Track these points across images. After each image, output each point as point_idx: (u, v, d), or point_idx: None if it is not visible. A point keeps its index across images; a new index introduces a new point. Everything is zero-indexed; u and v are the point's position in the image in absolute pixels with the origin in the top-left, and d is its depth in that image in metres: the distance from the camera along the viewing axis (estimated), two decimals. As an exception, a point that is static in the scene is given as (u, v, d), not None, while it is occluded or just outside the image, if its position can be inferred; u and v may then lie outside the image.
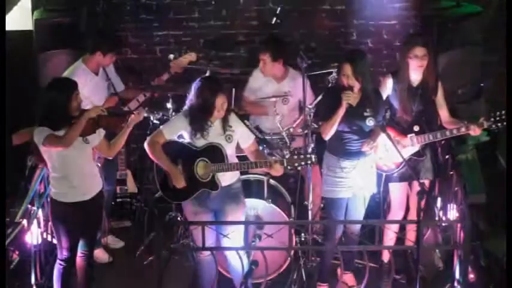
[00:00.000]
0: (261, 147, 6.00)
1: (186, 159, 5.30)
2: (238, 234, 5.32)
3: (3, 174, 5.29)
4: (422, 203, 4.90)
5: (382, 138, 5.63)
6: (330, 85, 6.04)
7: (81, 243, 5.37)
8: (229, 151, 5.30)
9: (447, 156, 6.37)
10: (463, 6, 6.80)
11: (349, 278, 5.86)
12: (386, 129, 5.43)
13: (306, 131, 5.98)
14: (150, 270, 6.14)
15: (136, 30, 7.39)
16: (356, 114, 5.46)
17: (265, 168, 5.29)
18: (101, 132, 5.30)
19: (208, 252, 5.33)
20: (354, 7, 7.33)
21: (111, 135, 5.48)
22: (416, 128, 5.65)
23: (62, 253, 5.30)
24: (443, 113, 5.77)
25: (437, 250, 6.25)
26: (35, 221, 5.71)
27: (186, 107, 5.31)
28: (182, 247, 6.29)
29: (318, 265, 5.91)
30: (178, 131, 5.32)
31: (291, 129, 6.13)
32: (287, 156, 5.33)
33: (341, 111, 5.36)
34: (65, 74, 6.01)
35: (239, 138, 5.35)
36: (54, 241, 5.48)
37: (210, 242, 5.18)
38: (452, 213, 6.11)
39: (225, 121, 5.30)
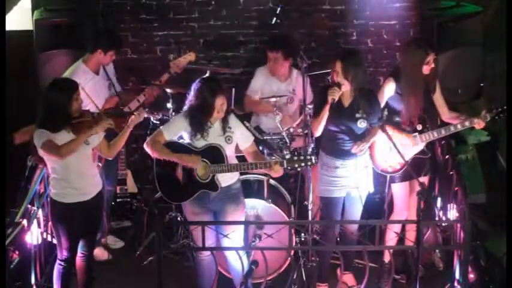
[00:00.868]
0: (260, 148, 6.01)
1: (186, 160, 5.30)
2: (238, 235, 5.32)
3: (3, 174, 5.30)
4: (423, 203, 4.90)
5: (384, 140, 5.64)
6: (326, 84, 6.04)
7: (81, 244, 5.37)
8: (229, 152, 5.30)
9: (447, 156, 6.37)
10: (463, 6, 6.80)
11: (349, 278, 5.86)
12: (386, 129, 5.43)
13: (306, 131, 5.98)
14: (150, 270, 6.14)
15: (136, 30, 7.38)
16: (348, 115, 5.47)
17: (264, 170, 5.29)
18: (100, 133, 5.29)
19: (208, 253, 5.34)
20: (353, 7, 7.33)
21: (112, 135, 5.47)
22: (419, 127, 5.65)
23: (62, 253, 5.30)
24: (443, 109, 5.79)
25: (437, 250, 6.24)
26: (35, 221, 5.71)
27: (185, 108, 5.31)
28: (182, 247, 6.29)
29: (317, 265, 5.90)
30: (178, 131, 5.32)
31: (291, 129, 6.13)
32: (287, 157, 5.33)
33: (326, 108, 5.36)
34: (66, 74, 6.01)
35: (238, 139, 5.35)
36: (54, 241, 5.48)
37: (210, 242, 5.18)
38: (452, 213, 6.11)
39: (224, 122, 5.30)
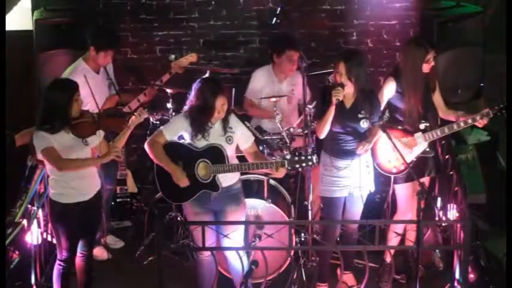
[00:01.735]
0: (261, 148, 6.01)
1: (186, 160, 5.30)
2: (239, 235, 5.32)
3: (3, 174, 5.29)
4: (422, 203, 4.90)
5: (388, 141, 5.64)
6: (326, 85, 6.04)
7: (80, 244, 5.36)
8: (230, 152, 5.30)
9: (447, 156, 6.37)
10: (463, 6, 6.81)
11: (349, 278, 5.86)
12: (386, 129, 5.43)
13: (306, 131, 5.98)
14: (150, 270, 6.14)
15: (136, 30, 7.38)
16: (350, 115, 5.47)
17: (265, 170, 5.29)
18: (100, 134, 5.29)
19: (209, 253, 5.34)
20: (353, 7, 7.33)
21: (112, 135, 5.47)
22: (422, 126, 5.65)
23: (62, 253, 5.30)
24: (441, 107, 5.79)
25: (437, 250, 6.24)
26: (35, 221, 5.71)
27: (186, 108, 5.31)
28: (182, 247, 6.29)
29: (317, 265, 5.90)
30: (179, 131, 5.32)
31: (291, 129, 6.13)
32: (288, 157, 5.33)
33: (331, 109, 5.36)
34: (66, 73, 6.01)
35: (239, 140, 5.35)
36: (54, 241, 5.48)
37: (210, 242, 5.18)
38: (452, 213, 6.11)
39: (225, 122, 5.30)
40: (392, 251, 5.72)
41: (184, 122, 5.28)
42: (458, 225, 5.63)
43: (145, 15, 7.37)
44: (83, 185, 5.24)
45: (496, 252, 5.76)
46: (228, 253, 5.42)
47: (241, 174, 5.54)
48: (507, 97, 5.74)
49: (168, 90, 6.41)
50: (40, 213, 5.81)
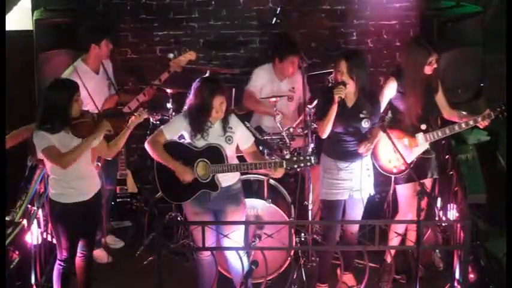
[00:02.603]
0: (261, 148, 6.01)
1: (186, 160, 5.30)
2: (239, 235, 5.32)
3: (3, 174, 5.29)
4: (423, 203, 4.90)
5: (389, 141, 5.64)
6: (327, 85, 6.04)
7: (80, 244, 5.36)
8: (229, 152, 5.30)
9: (447, 156, 6.37)
10: (463, 6, 6.80)
11: (349, 278, 5.86)
12: (386, 130, 5.43)
13: (306, 131, 5.98)
14: (150, 270, 6.14)
15: (136, 30, 7.38)
16: (351, 115, 5.46)
17: (265, 170, 5.28)
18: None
19: (209, 253, 5.34)
20: (354, 7, 7.33)
21: (112, 135, 5.47)
22: (423, 127, 5.64)
23: (62, 253, 5.30)
24: (445, 108, 5.78)
25: (437, 250, 6.24)
26: (35, 221, 5.71)
27: (185, 107, 5.31)
28: (182, 247, 6.29)
29: (317, 266, 5.90)
30: (179, 131, 5.32)
31: (291, 129, 6.13)
32: (287, 157, 5.33)
33: (334, 107, 5.36)
34: (65, 73, 6.01)
35: (239, 140, 5.35)
36: (54, 241, 5.48)
37: (210, 242, 5.18)
38: (452, 213, 6.11)
39: (225, 122, 5.30)
40: (392, 251, 5.72)
41: (184, 122, 5.28)
42: (458, 225, 5.63)
43: (145, 15, 7.37)
44: (83, 185, 5.24)
45: (496, 252, 5.75)
46: (228, 253, 5.42)
47: (241, 174, 5.54)
48: (507, 97, 5.74)
49: (168, 90, 6.42)
50: (40, 213, 5.81)
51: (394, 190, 5.86)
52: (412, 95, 5.60)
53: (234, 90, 6.35)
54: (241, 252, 5.20)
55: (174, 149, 5.30)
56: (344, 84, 5.37)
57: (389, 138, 5.36)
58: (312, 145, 5.96)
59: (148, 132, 6.23)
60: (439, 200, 6.49)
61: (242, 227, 5.32)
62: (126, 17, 7.35)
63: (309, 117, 5.99)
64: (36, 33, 6.69)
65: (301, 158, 5.21)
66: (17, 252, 5.51)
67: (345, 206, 5.67)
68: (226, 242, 5.22)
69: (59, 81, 5.35)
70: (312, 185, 6.01)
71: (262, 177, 5.95)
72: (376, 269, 5.95)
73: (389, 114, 5.78)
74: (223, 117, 5.28)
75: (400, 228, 5.77)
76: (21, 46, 6.80)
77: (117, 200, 6.94)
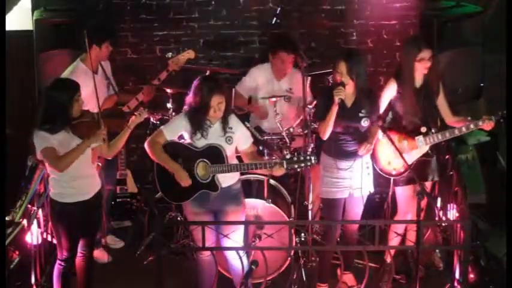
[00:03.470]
0: (260, 148, 6.01)
1: (186, 160, 5.30)
2: (238, 235, 5.32)
3: (3, 174, 5.29)
4: (423, 203, 4.90)
5: (389, 143, 5.64)
6: (327, 85, 6.04)
7: (80, 244, 5.37)
8: (229, 152, 5.30)
9: (447, 156, 6.37)
10: (463, 6, 6.80)
11: (349, 278, 5.86)
12: (386, 131, 5.44)
13: (306, 131, 5.98)
14: (150, 270, 6.14)
15: (136, 30, 7.39)
16: (351, 115, 5.46)
17: (264, 170, 5.28)
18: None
19: (209, 253, 5.34)
20: (353, 7, 7.33)
21: (112, 135, 5.47)
22: (423, 129, 5.63)
23: (62, 253, 5.30)
24: (447, 113, 5.77)
25: (437, 250, 6.24)
26: (35, 221, 5.71)
27: (185, 107, 5.31)
28: (182, 247, 6.29)
29: (317, 265, 5.90)
30: (179, 131, 5.32)
31: (291, 129, 6.13)
32: (287, 156, 5.33)
33: (334, 108, 5.36)
34: (64, 74, 6.00)
35: (238, 140, 5.34)
36: (54, 241, 5.48)
37: (210, 242, 5.18)
38: (452, 213, 6.11)
39: (225, 122, 5.29)
40: (392, 251, 5.72)
41: (184, 121, 5.28)
42: (458, 225, 5.63)
43: (145, 15, 7.37)
44: (83, 185, 5.24)
45: (496, 252, 5.76)
46: (228, 253, 5.42)
47: (241, 174, 5.54)
48: (507, 97, 5.74)
49: (168, 90, 6.42)
50: (40, 213, 5.81)
51: (394, 191, 5.86)
52: (407, 94, 5.59)
53: (234, 90, 6.36)
54: (241, 252, 5.20)
55: (173, 149, 5.30)
56: (343, 85, 5.37)
57: (390, 140, 5.36)
58: (311, 145, 5.96)
59: (148, 132, 6.23)
60: (439, 200, 6.49)
61: (242, 227, 5.32)
62: (126, 17, 7.35)
63: (309, 117, 5.99)
64: (36, 33, 6.68)
65: (301, 158, 5.21)
66: (17, 252, 5.52)
67: (345, 205, 5.67)
68: (226, 242, 5.22)
69: (59, 81, 5.35)
70: (312, 184, 6.01)
71: (262, 177, 5.95)
72: (376, 269, 5.96)
73: (390, 115, 5.77)
74: (223, 118, 5.28)
75: (399, 228, 5.77)
76: (21, 46, 6.80)
77: (117, 200, 6.94)
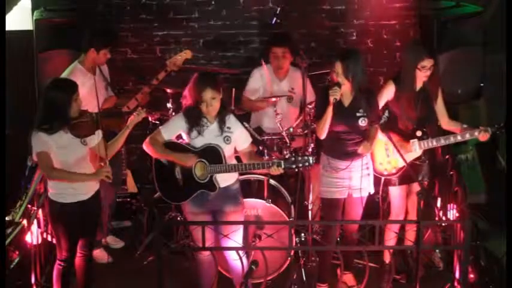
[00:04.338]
0: (260, 148, 6.01)
1: (185, 160, 5.30)
2: (238, 235, 5.32)
3: (3, 174, 5.29)
4: (422, 203, 4.90)
5: (382, 143, 5.64)
6: (325, 85, 6.05)
7: (80, 243, 5.36)
8: (228, 152, 5.29)
9: (447, 156, 6.37)
10: (463, 6, 6.80)
11: (349, 278, 5.86)
12: (388, 132, 5.44)
13: (306, 131, 5.98)
14: (150, 270, 6.14)
15: (136, 30, 7.39)
16: (348, 114, 5.46)
17: (262, 170, 5.28)
18: (99, 133, 5.28)
19: (209, 252, 5.34)
20: (353, 7, 7.33)
21: (112, 135, 5.47)
22: (419, 133, 5.63)
23: (61, 253, 5.30)
24: (444, 118, 5.76)
25: (437, 250, 6.24)
26: (35, 221, 5.71)
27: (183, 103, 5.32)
28: (182, 247, 6.29)
29: (317, 265, 5.90)
30: (177, 131, 5.32)
31: (291, 129, 6.13)
32: (287, 156, 5.33)
33: (330, 109, 5.36)
34: (63, 75, 6.00)
35: (236, 140, 5.34)
36: (54, 241, 5.48)
37: (209, 242, 5.18)
38: (452, 213, 6.11)
39: (221, 122, 5.28)
40: (391, 251, 5.72)
41: (182, 121, 5.27)
42: (458, 225, 5.62)
43: (145, 15, 7.37)
44: (81, 185, 5.23)
45: (496, 252, 5.76)
46: (228, 253, 5.42)
47: (241, 174, 5.54)
48: (507, 97, 5.73)
49: (168, 90, 6.41)
50: (40, 213, 5.81)
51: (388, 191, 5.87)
52: (405, 99, 5.59)
53: (234, 90, 6.36)
54: (241, 252, 5.20)
55: (172, 149, 5.29)
56: (339, 85, 5.37)
57: (390, 139, 5.36)
58: (312, 145, 5.96)
59: (148, 132, 6.23)
60: (439, 200, 6.49)
61: (241, 226, 5.32)
62: (126, 17, 7.35)
63: (309, 117, 5.99)
64: (36, 33, 6.69)
65: (299, 158, 5.20)
66: (17, 252, 5.52)
67: (345, 205, 5.67)
68: (226, 242, 5.22)
69: (58, 81, 5.34)
70: (312, 184, 6.01)
71: (262, 177, 5.95)
72: (376, 269, 5.95)
73: (386, 114, 5.76)
74: (221, 117, 5.26)
75: (394, 226, 5.77)
76: (21, 46, 6.80)
77: (117, 200, 6.94)
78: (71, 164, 5.12)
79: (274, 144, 6.14)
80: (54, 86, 5.16)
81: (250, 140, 5.43)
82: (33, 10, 6.90)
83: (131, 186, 7.04)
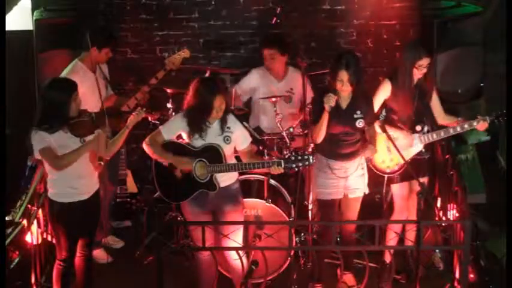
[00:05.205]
0: (260, 148, 6.01)
1: (184, 160, 5.30)
2: (238, 235, 5.32)
3: (3, 174, 5.29)
4: (422, 203, 4.90)
5: (383, 141, 5.64)
6: (322, 87, 6.05)
7: (80, 243, 5.36)
8: (228, 152, 5.29)
9: (447, 156, 6.37)
10: (463, 6, 6.80)
11: (349, 278, 5.86)
12: (386, 129, 5.44)
13: (306, 131, 5.98)
14: (150, 270, 6.14)
15: (136, 30, 7.39)
16: (346, 116, 5.47)
17: (262, 169, 5.28)
18: (99, 133, 5.28)
19: (208, 252, 5.34)
20: (354, 7, 7.33)
21: (112, 134, 5.47)
22: (418, 128, 5.65)
23: (61, 253, 5.30)
24: (440, 114, 5.78)
25: (437, 250, 6.25)
26: (35, 221, 5.71)
27: (184, 107, 5.31)
28: (182, 247, 6.29)
29: (312, 266, 5.91)
30: (177, 131, 5.32)
31: (291, 129, 6.13)
32: (287, 156, 5.33)
33: (325, 115, 5.37)
34: (63, 73, 6.00)
35: (237, 140, 5.34)
36: (54, 241, 5.48)
37: (209, 242, 5.18)
38: (452, 213, 6.11)
39: (223, 122, 5.29)
40: (391, 251, 5.72)
41: (182, 122, 5.27)
42: (458, 225, 5.63)
43: (145, 15, 7.37)
44: (81, 185, 5.23)
45: (496, 252, 5.76)
46: (228, 253, 5.42)
47: (241, 174, 5.54)
48: (507, 97, 5.74)
49: (168, 90, 6.41)
50: (40, 213, 5.81)
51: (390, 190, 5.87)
52: (402, 96, 5.60)
53: (234, 90, 6.35)
54: (241, 252, 5.20)
55: (171, 149, 5.30)
56: (334, 92, 5.38)
57: (389, 137, 5.36)
58: (311, 145, 5.96)
59: (148, 132, 6.22)
60: (439, 200, 6.49)
61: (241, 226, 5.32)
62: (126, 17, 7.35)
63: (308, 117, 5.99)
64: (36, 33, 6.69)
65: (299, 157, 5.20)
66: (17, 252, 5.52)
67: (341, 206, 5.68)
68: (226, 242, 5.22)
69: (57, 81, 5.34)
70: (312, 184, 6.00)
71: (262, 177, 5.95)
72: (376, 269, 5.95)
73: (384, 113, 5.76)
74: (222, 117, 5.27)
75: (396, 226, 5.77)
76: (21, 46, 6.80)
77: (117, 200, 6.94)
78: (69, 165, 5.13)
79: (274, 144, 6.14)
80: (53, 86, 5.16)
81: (250, 139, 5.43)
82: (33, 10, 6.90)
83: (131, 186, 7.04)
